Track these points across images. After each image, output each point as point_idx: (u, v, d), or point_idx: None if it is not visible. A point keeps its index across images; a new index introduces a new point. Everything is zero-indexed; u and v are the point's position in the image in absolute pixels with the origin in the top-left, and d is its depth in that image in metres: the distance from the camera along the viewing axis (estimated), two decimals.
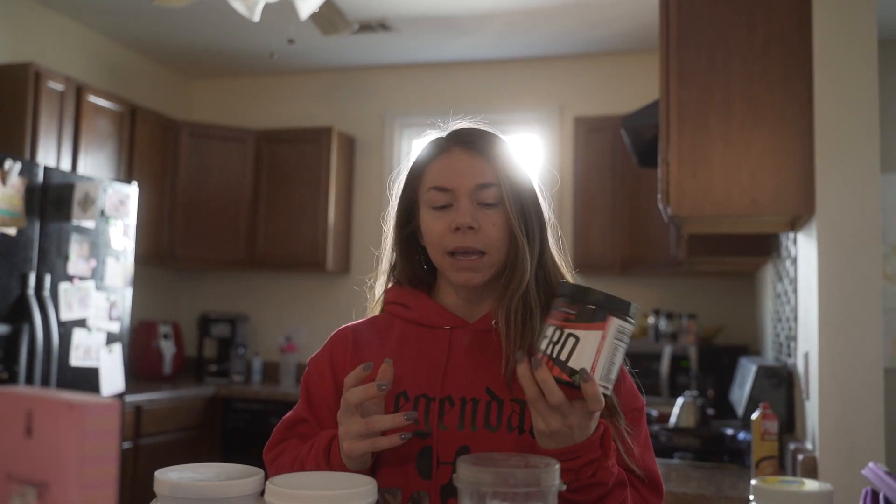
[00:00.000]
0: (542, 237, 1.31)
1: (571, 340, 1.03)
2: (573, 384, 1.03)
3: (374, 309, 1.42)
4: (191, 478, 1.03)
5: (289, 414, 1.36)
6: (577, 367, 1.03)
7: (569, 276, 1.36)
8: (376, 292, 1.42)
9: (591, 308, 1.03)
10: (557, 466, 0.98)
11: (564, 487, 0.98)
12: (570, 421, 1.05)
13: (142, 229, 4.69)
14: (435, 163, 1.31)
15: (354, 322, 1.42)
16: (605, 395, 1.05)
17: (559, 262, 1.35)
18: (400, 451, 1.21)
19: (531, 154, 5.22)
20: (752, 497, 0.92)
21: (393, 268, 1.40)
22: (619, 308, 1.04)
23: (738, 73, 2.31)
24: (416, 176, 1.35)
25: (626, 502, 1.19)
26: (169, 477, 1.02)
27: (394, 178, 1.40)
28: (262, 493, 1.02)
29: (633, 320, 1.05)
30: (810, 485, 0.89)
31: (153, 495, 1.03)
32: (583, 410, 1.05)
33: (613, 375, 1.05)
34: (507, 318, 1.24)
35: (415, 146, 1.40)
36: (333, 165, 5.22)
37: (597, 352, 1.03)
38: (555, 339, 1.05)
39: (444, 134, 1.36)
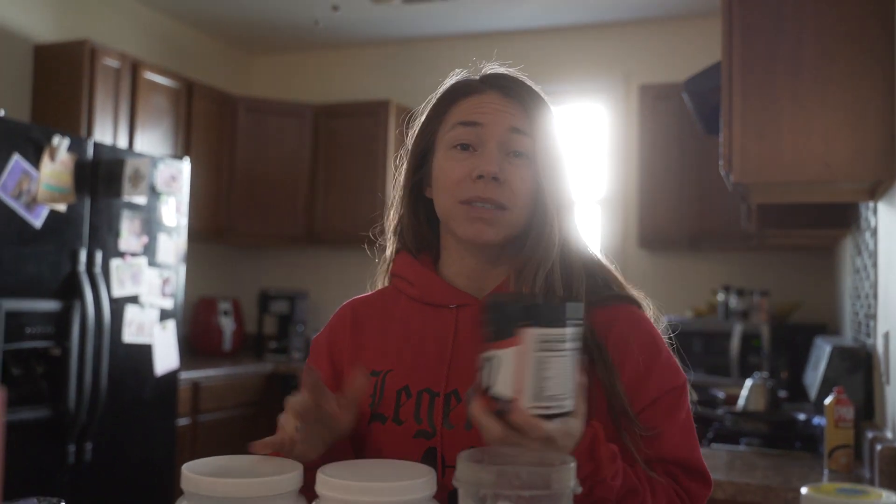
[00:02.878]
0: (569, 218, 1.16)
1: (493, 363, 0.89)
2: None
3: (384, 279, 1.29)
4: (222, 473, 0.92)
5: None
6: (500, 395, 0.89)
7: (604, 259, 1.20)
8: (387, 255, 1.28)
9: (498, 322, 0.89)
10: (573, 465, 0.84)
11: (580, 490, 0.84)
12: (534, 448, 0.90)
13: (200, 206, 4.68)
14: (464, 101, 1.17)
15: (360, 296, 1.29)
16: (557, 415, 0.89)
17: (591, 249, 1.19)
18: (402, 452, 1.08)
19: (578, 127, 5.03)
20: None
21: (399, 223, 1.25)
22: (534, 315, 0.87)
23: (810, 24, 2.09)
24: (438, 115, 1.19)
25: None
26: (197, 472, 0.91)
27: (412, 119, 1.26)
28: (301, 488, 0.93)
29: (564, 324, 0.88)
30: (874, 495, 0.73)
31: None
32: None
33: (557, 390, 0.89)
34: None
35: (442, 86, 1.23)
36: (392, 140, 5.11)
37: (516, 371, 0.87)
38: (482, 365, 0.91)
39: (476, 77, 1.21)
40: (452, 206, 1.14)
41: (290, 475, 0.92)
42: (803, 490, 0.76)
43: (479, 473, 0.82)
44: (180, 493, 0.91)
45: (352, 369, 1.19)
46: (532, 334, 0.87)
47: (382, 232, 1.31)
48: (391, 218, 1.28)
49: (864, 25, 2.07)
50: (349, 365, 1.20)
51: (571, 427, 0.92)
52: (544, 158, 1.13)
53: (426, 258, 1.24)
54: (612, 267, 1.20)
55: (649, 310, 1.20)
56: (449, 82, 1.22)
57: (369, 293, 1.30)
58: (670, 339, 1.19)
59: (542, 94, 1.19)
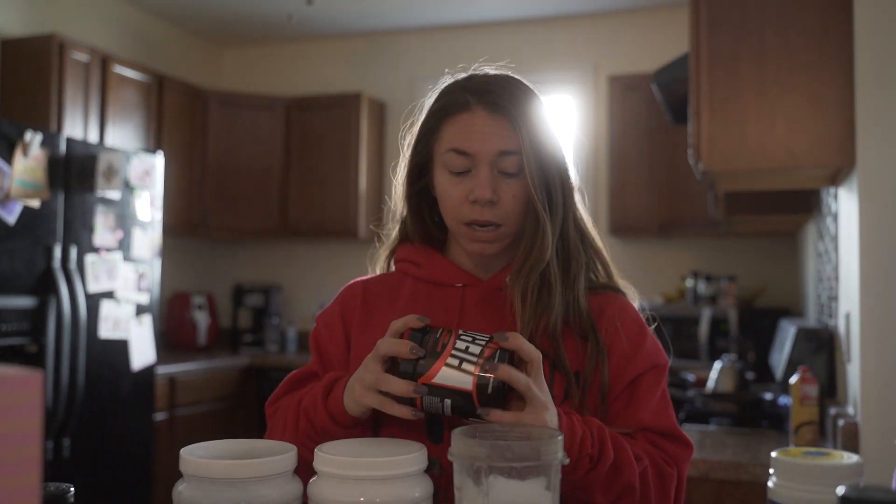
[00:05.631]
0: (565, 206, 1.23)
1: (442, 391, 1.02)
2: (493, 383, 1.01)
3: (381, 265, 1.36)
4: (219, 456, 0.96)
5: (298, 369, 1.31)
6: (485, 372, 1.01)
7: (599, 241, 1.29)
8: (390, 241, 1.35)
9: (411, 361, 1.04)
10: (560, 438, 0.90)
11: (568, 461, 0.91)
12: (526, 421, 1.00)
13: (173, 200, 4.68)
14: (455, 120, 1.20)
15: (365, 277, 1.36)
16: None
17: (590, 229, 1.29)
18: (407, 422, 1.14)
19: (562, 114, 5.09)
20: (771, 471, 0.83)
21: (403, 223, 1.32)
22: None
23: (773, 17, 2.17)
24: (432, 129, 1.24)
25: (646, 475, 1.12)
26: (196, 455, 0.95)
27: (407, 129, 1.30)
28: (296, 469, 0.98)
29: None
30: (837, 456, 0.80)
31: None
32: (529, 403, 1.02)
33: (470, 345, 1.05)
34: (524, 296, 1.17)
35: (433, 92, 1.28)
36: (364, 131, 5.15)
37: (449, 351, 1.03)
38: (444, 400, 1.03)
39: (462, 77, 1.24)
40: (457, 226, 1.22)
41: (284, 456, 0.97)
42: (773, 454, 0.83)
43: (473, 448, 0.88)
44: (161, 486, 0.95)
45: (359, 343, 1.25)
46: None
47: (380, 224, 1.38)
48: (394, 213, 1.34)
49: (824, 18, 2.15)
50: (357, 340, 1.26)
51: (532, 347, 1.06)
52: (533, 172, 1.17)
53: (433, 246, 1.31)
54: (607, 255, 1.29)
55: (635, 300, 1.30)
56: (440, 87, 1.26)
57: (372, 276, 1.36)
58: (655, 322, 1.29)
59: (529, 96, 1.22)
